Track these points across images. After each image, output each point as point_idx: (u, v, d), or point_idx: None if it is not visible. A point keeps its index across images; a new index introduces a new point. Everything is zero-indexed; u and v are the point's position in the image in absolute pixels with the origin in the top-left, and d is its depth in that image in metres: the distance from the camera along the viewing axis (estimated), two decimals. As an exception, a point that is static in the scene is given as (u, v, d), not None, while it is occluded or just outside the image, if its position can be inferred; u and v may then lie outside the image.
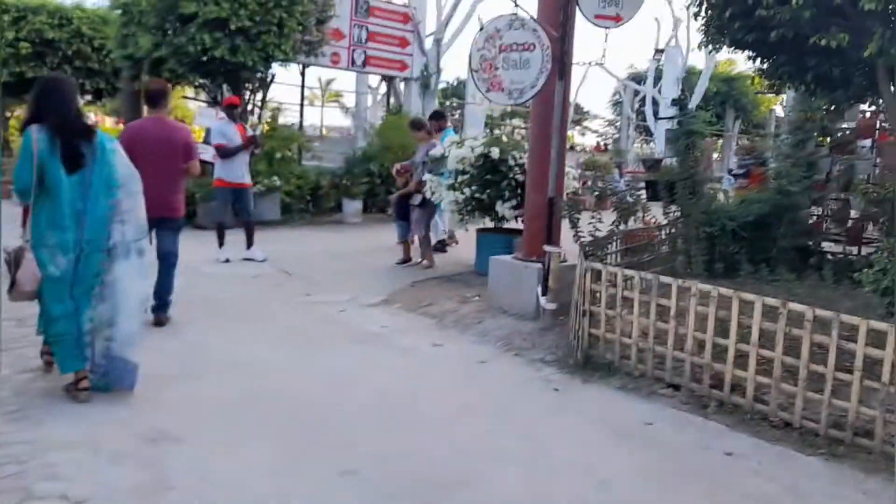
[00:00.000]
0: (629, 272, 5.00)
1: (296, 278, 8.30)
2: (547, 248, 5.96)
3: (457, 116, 31.05)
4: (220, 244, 8.88)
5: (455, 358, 5.56)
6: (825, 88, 5.36)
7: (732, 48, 5.34)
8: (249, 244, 9.04)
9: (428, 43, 16.35)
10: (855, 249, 8.85)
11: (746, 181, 10.33)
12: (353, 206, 13.26)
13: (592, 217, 6.26)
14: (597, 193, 8.85)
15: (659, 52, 22.46)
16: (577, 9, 5.54)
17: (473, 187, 8.17)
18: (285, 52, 12.69)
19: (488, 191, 8.18)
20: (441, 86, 18.83)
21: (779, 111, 30.83)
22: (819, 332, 4.02)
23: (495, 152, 7.98)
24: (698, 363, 4.59)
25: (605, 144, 36.47)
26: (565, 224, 6.42)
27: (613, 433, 4.15)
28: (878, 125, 8.64)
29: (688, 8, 5.59)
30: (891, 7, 4.24)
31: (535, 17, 5.63)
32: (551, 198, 5.94)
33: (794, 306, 4.15)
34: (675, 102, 8.57)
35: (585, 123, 50.82)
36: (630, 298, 4.95)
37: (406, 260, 9.14)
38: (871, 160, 8.56)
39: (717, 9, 5.04)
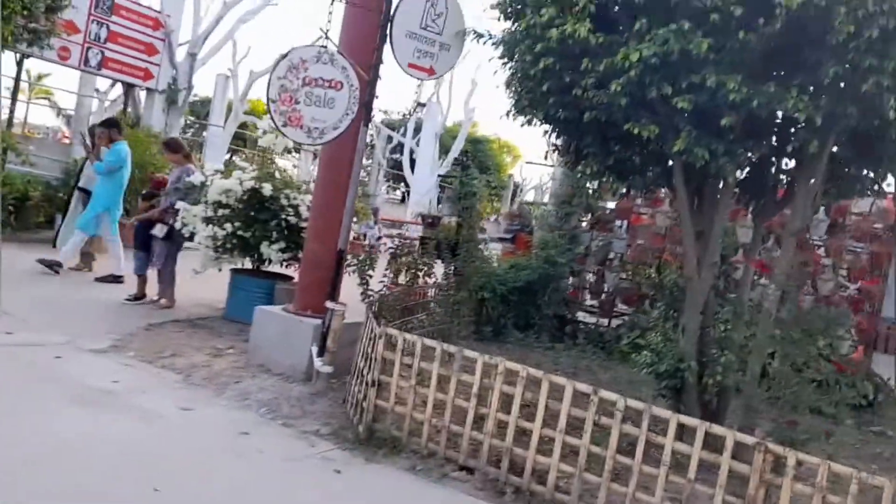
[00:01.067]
0: (429, 342, 4.62)
1: (-5, 311, 6.74)
2: (330, 304, 5.40)
3: (195, 137, 29.28)
4: None
5: (210, 427, 4.72)
6: (623, 173, 5.54)
7: (541, 122, 5.32)
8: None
9: (180, 54, 15.03)
10: (606, 321, 9.47)
11: (513, 246, 10.71)
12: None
13: (384, 275, 5.84)
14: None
15: (420, 105, 23.22)
16: (393, 54, 5.19)
17: (237, 223, 7.34)
18: (3, 38, 10.69)
19: (253, 229, 7.41)
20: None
21: (517, 177, 33.48)
22: (628, 423, 3.94)
23: (267, 189, 7.28)
24: (497, 446, 4.31)
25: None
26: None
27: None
28: (633, 208, 9.41)
29: (498, 76, 5.50)
30: (699, 108, 4.45)
31: (341, 52, 5.17)
32: (341, 250, 5.42)
33: (606, 394, 4.05)
34: (457, 161, 8.58)
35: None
36: (427, 371, 4.56)
37: (140, 296, 7.94)
38: (625, 239, 9.25)
39: (533, 82, 5.01)
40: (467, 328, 7.22)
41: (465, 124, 22.35)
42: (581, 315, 9.65)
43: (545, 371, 4.29)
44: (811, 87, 4.35)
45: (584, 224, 9.60)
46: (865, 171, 5.03)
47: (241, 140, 30.00)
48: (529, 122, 5.39)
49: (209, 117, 23.66)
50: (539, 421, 4.16)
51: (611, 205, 9.56)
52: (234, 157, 24.12)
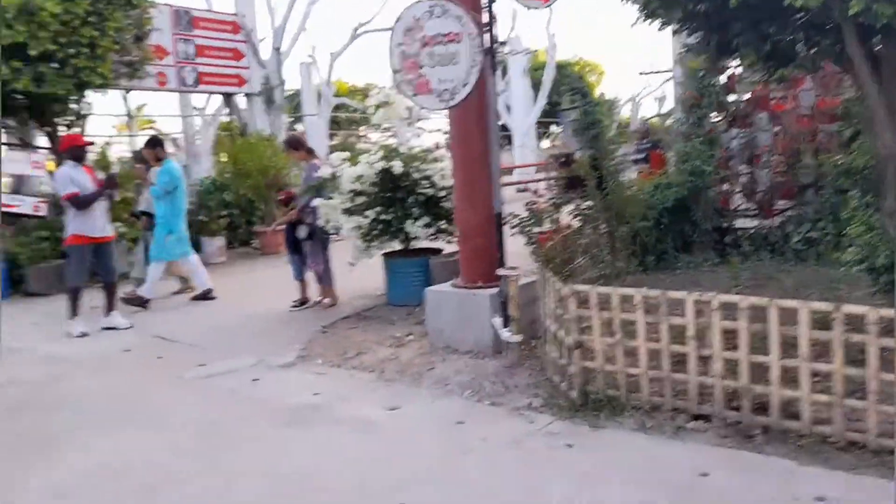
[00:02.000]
0: (625, 290, 4.29)
1: (178, 345, 6.95)
2: (502, 271, 5.17)
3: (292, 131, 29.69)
4: (74, 314, 7.31)
5: (425, 423, 4.61)
6: (783, 57, 4.93)
7: (678, 22, 4.78)
8: (110, 309, 7.54)
9: (265, 52, 15.04)
10: (767, 222, 8.80)
11: (647, 166, 10.14)
12: (214, 245, 11.80)
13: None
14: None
15: (501, 44, 22.44)
16: (505, -14, 4.80)
17: (377, 208, 7.21)
18: (103, 77, 10.93)
19: (394, 210, 7.26)
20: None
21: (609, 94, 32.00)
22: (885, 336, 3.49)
23: (397, 166, 7.08)
24: (731, 387, 3.96)
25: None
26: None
27: (679, 498, 3.40)
28: (770, 95, 8.62)
29: None
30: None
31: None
32: (498, 213, 5.15)
33: (850, 308, 3.60)
34: (575, 91, 8.03)
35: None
36: (630, 321, 4.25)
37: (303, 301, 8.01)
38: (770, 131, 8.50)
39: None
40: (631, 263, 6.81)
41: (551, 52, 21.44)
42: (739, 222, 9.00)
43: (727, 289, 3.86)
44: None
45: (719, 124, 8.87)
46: None
47: (337, 124, 30.22)
48: (664, 25, 4.86)
49: (301, 108, 23.84)
50: (776, 352, 3.77)
51: (745, 97, 8.77)
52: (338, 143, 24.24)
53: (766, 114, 8.61)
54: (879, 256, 4.74)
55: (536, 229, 5.47)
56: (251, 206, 13.11)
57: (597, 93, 33.06)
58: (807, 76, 8.22)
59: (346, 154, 7.50)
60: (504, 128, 26.82)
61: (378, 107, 7.62)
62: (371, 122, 7.95)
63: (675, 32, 5.29)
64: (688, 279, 7.47)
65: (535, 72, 24.72)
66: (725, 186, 8.92)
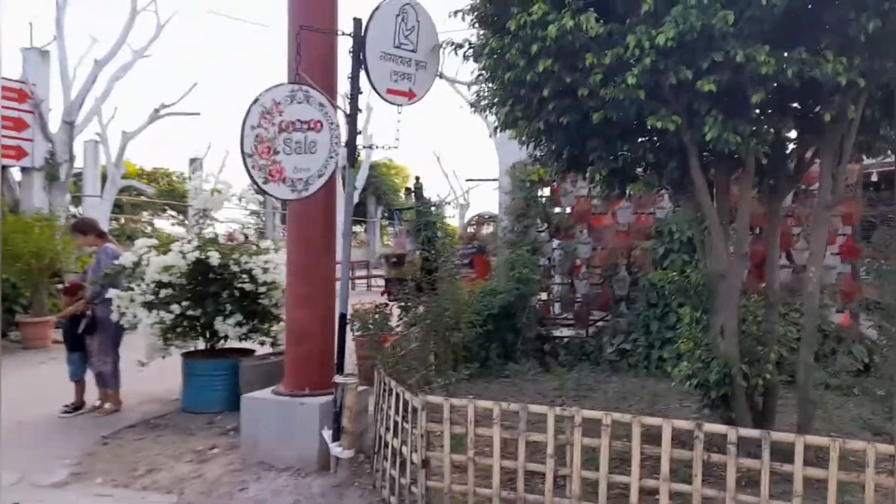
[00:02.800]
0: (483, 403, 3.99)
1: None
2: (340, 378, 4.68)
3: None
4: None
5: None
6: (629, 176, 5.10)
7: (535, 133, 4.79)
8: None
9: (55, 124, 13.70)
10: (584, 332, 9.07)
11: (471, 271, 10.15)
12: (-35, 335, 10.05)
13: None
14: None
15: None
16: (369, 80, 4.54)
17: (185, 303, 6.44)
18: None
19: (204, 305, 6.54)
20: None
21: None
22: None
23: (214, 257, 6.42)
24: (591, 511, 3.72)
25: (245, 235, 35.14)
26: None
27: None
28: (591, 210, 9.07)
29: (481, 90, 4.95)
30: (722, 89, 4.08)
31: (315, 87, 4.46)
32: (342, 314, 4.71)
33: (710, 427, 3.54)
34: (409, 191, 7.94)
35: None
36: (486, 437, 3.93)
37: (78, 406, 6.86)
38: (589, 243, 8.88)
39: (527, 89, 4.51)
40: (458, 369, 6.59)
41: (368, 153, 21.73)
42: (557, 331, 9.20)
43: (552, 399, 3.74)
44: (839, 48, 4.02)
45: (542, 234, 9.16)
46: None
47: (119, 208, 28.11)
48: (524, 136, 4.86)
49: (82, 188, 21.89)
50: (636, 470, 3.61)
51: (567, 210, 9.17)
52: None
53: (586, 227, 9.00)
54: (712, 372, 4.86)
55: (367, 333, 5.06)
56: (15, 293, 11.48)
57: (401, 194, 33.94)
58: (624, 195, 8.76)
59: (153, 241, 6.70)
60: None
61: (215, 191, 6.97)
62: (195, 205, 7.23)
63: (522, 143, 5.34)
64: (512, 388, 7.39)
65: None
66: (545, 296, 9.13)
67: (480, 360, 7.86)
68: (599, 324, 9.13)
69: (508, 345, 8.32)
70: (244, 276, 6.56)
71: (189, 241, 6.50)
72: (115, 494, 4.79)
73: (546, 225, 9.10)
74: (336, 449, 4.69)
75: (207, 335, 6.82)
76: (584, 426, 3.72)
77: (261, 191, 4.29)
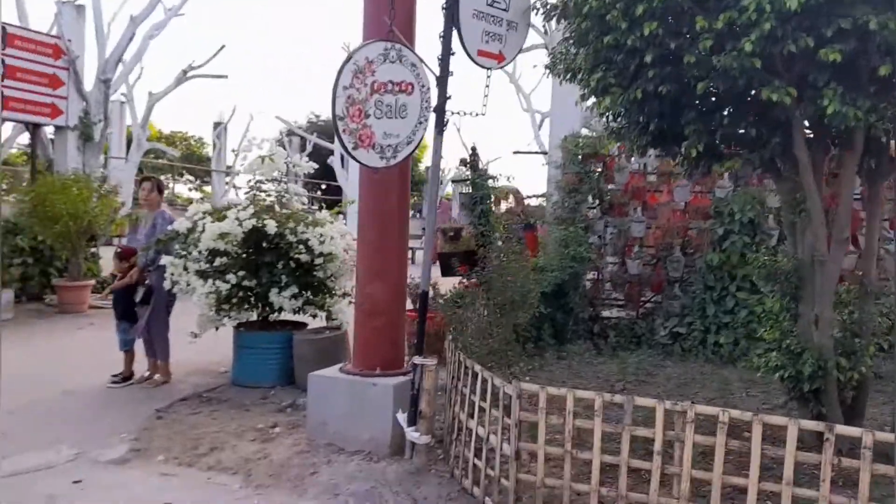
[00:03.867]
0: (582, 393, 3.76)
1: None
2: (419, 359, 4.45)
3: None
4: None
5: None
6: (718, 154, 4.80)
7: (628, 102, 4.48)
8: None
9: (90, 82, 13.42)
10: (634, 313, 8.83)
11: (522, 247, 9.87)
12: (1, 298, 9.89)
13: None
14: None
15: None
16: (460, 40, 4.25)
17: (241, 272, 6.23)
18: None
19: (259, 276, 6.32)
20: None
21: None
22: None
23: (271, 226, 6.19)
24: (699, 511, 3.50)
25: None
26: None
27: None
28: (647, 187, 8.77)
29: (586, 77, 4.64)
30: (845, 60, 3.77)
31: (409, 46, 4.17)
32: (425, 292, 4.47)
33: (841, 429, 3.30)
34: (464, 162, 7.67)
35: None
36: (586, 429, 3.71)
37: (127, 377, 6.69)
38: (643, 222, 8.60)
39: (626, 54, 4.21)
40: (519, 349, 6.38)
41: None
42: (606, 312, 8.96)
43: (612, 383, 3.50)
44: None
45: (593, 211, 8.88)
46: None
47: (140, 171, 27.93)
48: (610, 105, 4.54)
49: (107, 150, 21.69)
50: (755, 472, 3.38)
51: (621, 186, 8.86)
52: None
53: (640, 205, 8.71)
54: (806, 364, 4.61)
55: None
56: (51, 256, 11.33)
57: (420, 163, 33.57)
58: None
59: (207, 206, 6.47)
60: (339, 190, 26.15)
61: (267, 158, 6.70)
62: (244, 171, 6.98)
63: (604, 113, 5.04)
64: (569, 371, 7.18)
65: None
66: (595, 275, 8.87)
67: (533, 341, 7.65)
68: (648, 306, 8.88)
69: (559, 325, 8.08)
70: (300, 246, 6.33)
71: (244, 208, 6.26)
72: (181, 474, 4.61)
73: (598, 201, 8.82)
74: (413, 434, 4.48)
75: (261, 307, 6.61)
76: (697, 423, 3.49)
77: (349, 156, 4.02)
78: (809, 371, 4.60)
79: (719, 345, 7.80)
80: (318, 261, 6.40)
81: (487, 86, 4.60)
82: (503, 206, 9.03)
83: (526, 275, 6.43)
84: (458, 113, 4.30)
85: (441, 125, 4.21)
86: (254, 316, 6.78)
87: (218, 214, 6.27)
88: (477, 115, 4.41)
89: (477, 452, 4.17)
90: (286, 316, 6.92)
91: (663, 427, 3.53)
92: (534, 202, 10.36)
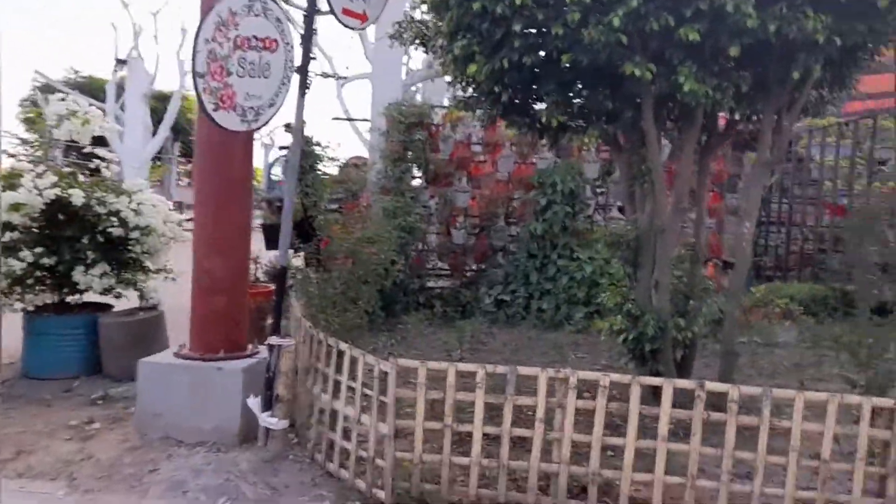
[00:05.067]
0: (464, 366, 3.70)
1: None
2: (275, 339, 4.14)
3: None
4: None
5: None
6: (582, 123, 4.94)
7: (490, 72, 4.43)
8: None
9: None
10: (458, 282, 8.97)
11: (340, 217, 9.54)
12: None
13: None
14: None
15: (120, 62, 20.11)
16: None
17: (37, 249, 5.45)
18: None
19: (60, 253, 5.58)
20: None
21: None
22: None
23: (77, 196, 5.46)
24: (577, 474, 3.60)
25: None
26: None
27: None
28: (472, 157, 8.90)
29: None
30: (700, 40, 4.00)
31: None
32: (284, 268, 4.15)
33: (712, 385, 3.52)
34: (288, 127, 7.26)
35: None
36: (468, 402, 3.67)
37: None
38: (468, 192, 8.73)
39: (492, 23, 4.16)
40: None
41: (182, 80, 19.99)
42: (432, 281, 9.03)
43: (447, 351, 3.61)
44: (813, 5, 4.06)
45: (418, 180, 8.87)
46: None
47: None
48: (475, 74, 4.49)
49: None
50: (633, 432, 3.52)
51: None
52: None
53: (465, 175, 8.82)
54: (648, 326, 4.91)
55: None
56: None
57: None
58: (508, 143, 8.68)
59: (-1, 173, 5.58)
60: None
61: (66, 117, 5.85)
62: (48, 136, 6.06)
63: (451, 84, 5.00)
64: (403, 343, 7.14)
65: (161, 101, 22.91)
66: (420, 245, 8.89)
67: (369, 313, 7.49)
68: (470, 274, 9.07)
69: (388, 297, 8.00)
70: (112, 218, 5.66)
71: (41, 175, 5.46)
72: (-13, 485, 3.96)
73: (423, 171, 8.81)
74: (269, 420, 4.18)
75: (63, 288, 5.85)
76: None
77: (209, 119, 3.59)
78: (652, 332, 4.90)
79: (542, 310, 8.15)
80: (134, 234, 5.77)
81: (351, 47, 4.35)
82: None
83: (388, 245, 6.24)
84: (322, 75, 4.02)
85: (304, 86, 3.91)
86: (50, 298, 5.99)
87: (6, 180, 5.42)
88: (338, 77, 4.16)
89: (345, 433, 3.99)
90: (89, 297, 6.20)
91: (545, 394, 3.58)
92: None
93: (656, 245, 4.98)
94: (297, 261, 7.07)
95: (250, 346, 4.73)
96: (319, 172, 7.30)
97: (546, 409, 3.58)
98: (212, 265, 4.48)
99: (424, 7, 5.13)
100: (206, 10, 3.68)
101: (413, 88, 11.71)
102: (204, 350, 4.52)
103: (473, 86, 5.06)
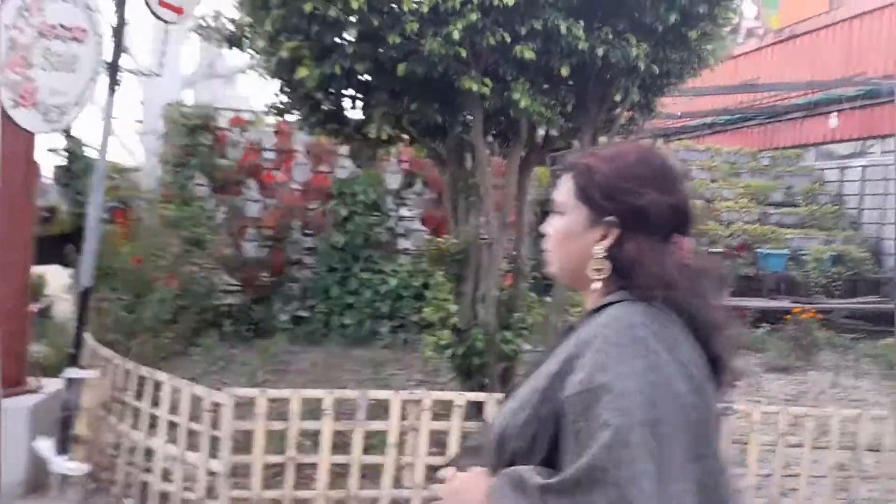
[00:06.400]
0: (310, 393, 3.46)
1: None
2: (74, 372, 3.61)
3: None
4: None
5: None
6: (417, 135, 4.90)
7: (318, 78, 4.23)
8: None
9: None
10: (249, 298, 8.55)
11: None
12: None
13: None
14: None
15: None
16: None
17: None
18: None
19: None
20: None
21: None
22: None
23: None
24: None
25: None
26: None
27: None
28: (262, 165, 8.52)
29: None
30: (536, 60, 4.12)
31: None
32: (88, 288, 3.61)
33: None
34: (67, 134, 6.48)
35: None
36: (314, 432, 3.45)
37: None
38: (260, 201, 8.35)
39: (324, 28, 3.97)
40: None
41: None
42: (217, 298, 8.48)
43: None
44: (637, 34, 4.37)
45: (201, 188, 8.31)
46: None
47: None
48: (307, 79, 4.27)
49: None
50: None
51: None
52: None
53: (257, 183, 8.43)
54: (478, 340, 4.96)
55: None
56: None
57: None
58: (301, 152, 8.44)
59: None
60: None
61: None
62: None
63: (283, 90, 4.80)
64: (194, 365, 6.63)
65: None
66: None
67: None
68: (261, 290, 8.66)
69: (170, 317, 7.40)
70: None
71: None
72: None
73: (209, 178, 8.28)
74: (66, 464, 3.63)
75: None
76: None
77: (7, 118, 3.01)
78: (480, 346, 4.96)
79: (345, 326, 7.99)
80: None
81: (164, 42, 3.92)
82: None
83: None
84: (133, 72, 3.59)
85: (114, 83, 3.45)
86: None
87: None
88: (152, 74, 3.76)
89: (165, 474, 3.58)
90: None
91: (399, 419, 3.46)
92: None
93: (482, 259, 5.05)
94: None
95: (32, 381, 4.11)
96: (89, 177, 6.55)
97: (399, 433, 3.47)
98: (-7, 290, 3.83)
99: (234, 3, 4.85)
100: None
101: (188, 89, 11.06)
102: (-24, 386, 3.83)
103: (289, 91, 4.86)
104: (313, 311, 8.15)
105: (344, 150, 8.19)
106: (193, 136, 8.06)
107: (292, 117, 5.31)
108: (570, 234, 1.28)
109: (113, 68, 3.42)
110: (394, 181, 8.47)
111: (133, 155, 9.83)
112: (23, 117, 3.05)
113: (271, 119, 8.61)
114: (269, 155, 8.66)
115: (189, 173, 8.04)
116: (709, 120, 12.68)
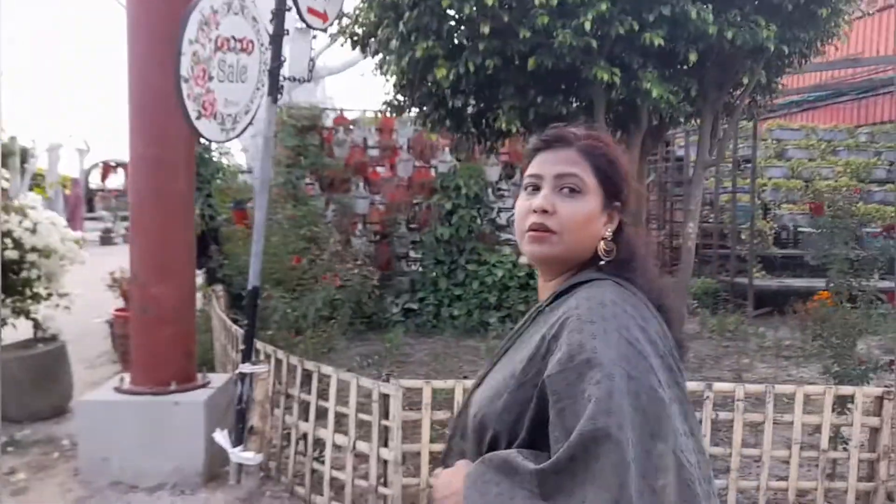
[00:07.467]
0: (470, 383, 3.64)
1: None
2: (247, 367, 3.87)
3: None
4: None
5: None
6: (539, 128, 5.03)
7: (449, 73, 4.41)
8: None
9: None
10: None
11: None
12: None
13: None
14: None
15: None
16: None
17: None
18: None
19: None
20: None
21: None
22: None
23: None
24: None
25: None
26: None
27: None
28: (369, 163, 8.77)
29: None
30: (668, 47, 4.19)
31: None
32: (256, 287, 3.87)
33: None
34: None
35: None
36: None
37: None
38: (367, 198, 8.61)
39: (458, 22, 4.14)
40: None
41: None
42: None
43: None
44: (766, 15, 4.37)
45: (312, 186, 8.62)
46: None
47: None
48: (442, 80, 4.44)
49: None
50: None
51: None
52: None
53: (362, 180, 8.69)
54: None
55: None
56: None
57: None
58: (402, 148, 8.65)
59: None
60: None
61: None
62: None
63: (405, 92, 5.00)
64: (326, 358, 6.91)
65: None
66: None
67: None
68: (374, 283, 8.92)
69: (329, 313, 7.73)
70: (6, 239, 5.07)
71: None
72: None
73: (317, 178, 8.58)
74: (242, 454, 3.90)
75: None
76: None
77: (191, 128, 3.27)
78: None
79: (454, 317, 8.18)
80: (32, 257, 5.19)
81: (313, 48, 4.15)
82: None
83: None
84: (289, 78, 3.80)
85: (276, 90, 3.67)
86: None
87: None
88: (303, 80, 3.98)
89: (334, 463, 3.82)
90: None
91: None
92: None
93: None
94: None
95: (200, 377, 4.42)
96: (220, 182, 6.90)
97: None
98: (158, 292, 4.12)
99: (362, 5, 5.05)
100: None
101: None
102: (153, 384, 4.15)
103: (420, 90, 5.03)
104: (423, 303, 8.37)
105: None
106: (303, 137, 8.35)
107: (410, 115, 5.48)
108: (592, 217, 1.28)
109: (273, 76, 3.63)
110: (492, 173, 8.60)
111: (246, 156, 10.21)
112: (205, 128, 3.30)
113: (369, 116, 8.88)
114: (373, 152, 8.90)
115: (299, 173, 8.34)
116: (797, 98, 12.38)
